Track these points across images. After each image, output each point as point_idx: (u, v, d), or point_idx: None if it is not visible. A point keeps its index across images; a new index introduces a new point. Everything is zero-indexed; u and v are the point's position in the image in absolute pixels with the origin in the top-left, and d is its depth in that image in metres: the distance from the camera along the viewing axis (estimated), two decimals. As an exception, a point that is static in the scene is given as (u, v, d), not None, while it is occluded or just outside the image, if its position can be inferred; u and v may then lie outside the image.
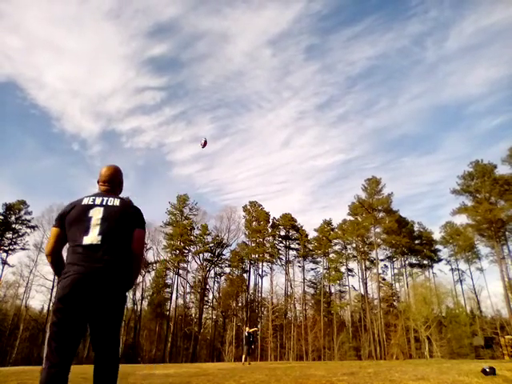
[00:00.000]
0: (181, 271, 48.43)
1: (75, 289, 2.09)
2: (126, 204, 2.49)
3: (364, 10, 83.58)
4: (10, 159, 69.66)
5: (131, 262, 2.35)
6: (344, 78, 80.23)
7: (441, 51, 73.73)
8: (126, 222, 2.36)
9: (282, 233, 53.31)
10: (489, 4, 71.44)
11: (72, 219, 2.34)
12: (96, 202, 2.41)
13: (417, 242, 49.69)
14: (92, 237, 2.24)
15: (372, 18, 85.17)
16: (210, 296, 50.84)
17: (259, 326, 47.22)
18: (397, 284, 51.32)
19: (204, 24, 76.90)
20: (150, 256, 48.61)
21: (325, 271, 52.33)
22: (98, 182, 2.67)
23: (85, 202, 2.43)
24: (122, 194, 2.80)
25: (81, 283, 2.10)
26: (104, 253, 2.21)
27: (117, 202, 2.45)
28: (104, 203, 2.41)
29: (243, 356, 15.31)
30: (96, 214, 2.33)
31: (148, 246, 48.06)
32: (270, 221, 52.35)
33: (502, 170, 42.28)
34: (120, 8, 73.81)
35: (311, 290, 53.49)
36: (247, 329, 16.33)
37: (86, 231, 2.26)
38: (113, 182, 2.65)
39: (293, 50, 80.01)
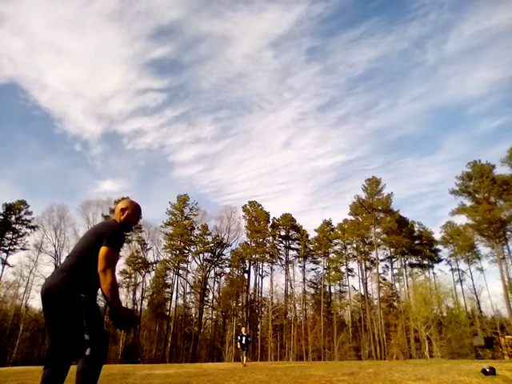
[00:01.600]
0: (181, 271, 48.46)
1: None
2: (100, 224, 2.76)
3: (365, 13, 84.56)
4: (12, 160, 70.20)
5: (87, 272, 2.49)
6: (345, 79, 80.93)
7: (441, 53, 74.55)
8: (90, 239, 2.55)
9: (283, 233, 53.35)
10: (488, 7, 72.42)
11: None
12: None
13: (417, 242, 49.70)
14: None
15: (373, 21, 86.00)
16: (210, 296, 50.88)
17: (259, 327, 47.28)
18: (397, 284, 51.41)
19: (206, 26, 77.59)
20: (150, 256, 48.67)
21: (325, 271, 52.35)
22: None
23: None
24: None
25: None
26: (60, 267, 2.53)
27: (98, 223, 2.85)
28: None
29: (243, 358, 15.05)
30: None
31: (148, 246, 48.14)
32: (270, 221, 52.41)
33: (502, 171, 42.43)
34: (122, 10, 74.32)
35: (311, 290, 53.58)
36: (243, 330, 15.91)
37: None
38: (114, 212, 2.87)
39: (294, 52, 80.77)
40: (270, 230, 52.08)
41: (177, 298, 48.55)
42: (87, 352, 2.30)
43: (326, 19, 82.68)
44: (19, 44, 68.45)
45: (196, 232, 49.73)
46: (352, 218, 50.52)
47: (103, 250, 2.41)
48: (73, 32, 74.40)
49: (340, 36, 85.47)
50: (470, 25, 73.03)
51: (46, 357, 2.39)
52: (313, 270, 53.59)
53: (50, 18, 70.46)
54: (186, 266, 49.09)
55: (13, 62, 71.14)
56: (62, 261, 2.56)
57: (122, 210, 2.78)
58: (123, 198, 3.11)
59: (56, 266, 42.14)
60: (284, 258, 52.32)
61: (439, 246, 50.71)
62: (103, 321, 2.55)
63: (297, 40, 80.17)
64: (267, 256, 50.33)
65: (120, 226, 2.63)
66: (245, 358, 14.81)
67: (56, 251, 42.69)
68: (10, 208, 43.30)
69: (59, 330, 2.40)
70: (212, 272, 50.66)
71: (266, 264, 51.45)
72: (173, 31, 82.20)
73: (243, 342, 15.10)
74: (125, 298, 44.92)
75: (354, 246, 50.66)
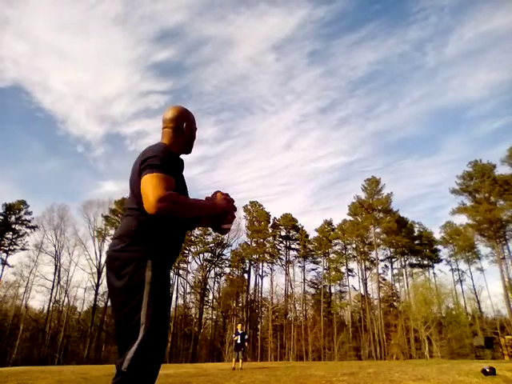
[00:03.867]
0: (181, 271, 48.44)
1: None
2: (141, 153, 1.84)
3: (366, 17, 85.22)
4: (14, 161, 70.69)
5: (154, 226, 1.72)
6: (346, 82, 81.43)
7: (441, 56, 75.18)
8: (136, 179, 1.75)
9: (283, 233, 53.39)
10: (488, 10, 72.95)
11: None
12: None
13: (417, 242, 49.69)
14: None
15: (374, 25, 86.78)
16: (210, 296, 50.89)
17: (259, 327, 47.29)
18: (397, 284, 51.41)
19: (209, 30, 78.08)
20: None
21: (325, 271, 52.38)
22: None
23: None
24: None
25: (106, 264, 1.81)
26: (120, 228, 1.81)
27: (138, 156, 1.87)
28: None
29: (234, 360, 13.02)
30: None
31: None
32: (271, 221, 52.47)
33: (502, 171, 42.45)
34: (126, 14, 74.68)
35: (311, 290, 53.59)
36: (239, 327, 13.87)
37: None
38: (174, 121, 1.99)
39: (296, 55, 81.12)
40: (270, 230, 52.12)
41: (177, 298, 48.59)
42: (124, 364, 1.52)
43: (328, 23, 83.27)
44: (23, 47, 69.09)
45: (196, 232, 49.75)
46: (351, 218, 50.60)
47: (143, 179, 1.64)
48: (77, 35, 75.10)
49: (342, 39, 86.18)
50: (469, 28, 73.83)
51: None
52: (313, 270, 53.68)
53: (54, 21, 71.09)
54: (186, 266, 49.15)
55: (17, 64, 71.94)
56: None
57: (185, 121, 2.01)
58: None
59: (56, 266, 42.20)
60: (284, 258, 52.38)
61: (439, 246, 50.76)
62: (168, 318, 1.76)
63: (299, 43, 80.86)
64: (267, 256, 50.34)
65: (168, 146, 1.88)
66: (240, 360, 12.67)
67: (56, 251, 42.72)
68: (9, 208, 43.31)
69: (116, 317, 1.69)
70: (212, 272, 50.74)
71: (266, 264, 51.51)
72: (176, 34, 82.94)
73: (238, 341, 12.97)
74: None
75: (354, 246, 50.68)
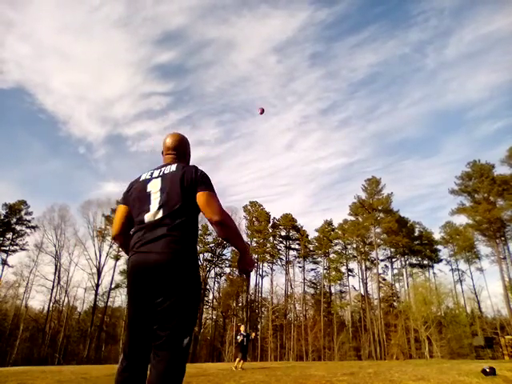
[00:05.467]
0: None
1: (138, 273, 1.88)
2: (184, 167, 2.11)
3: (367, 19, 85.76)
4: (17, 162, 71.09)
5: (195, 235, 2.03)
6: (347, 84, 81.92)
7: (441, 58, 75.60)
8: (185, 188, 1.99)
9: (283, 233, 53.41)
10: (487, 14, 73.40)
11: (132, 198, 2.12)
12: (154, 175, 2.13)
13: (417, 242, 49.70)
14: (152, 212, 1.98)
15: (375, 27, 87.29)
16: (210, 296, 50.92)
17: (259, 327, 47.28)
18: (397, 284, 51.40)
19: (211, 32, 78.46)
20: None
21: (325, 271, 52.40)
22: (162, 154, 2.35)
23: (143, 177, 2.17)
24: None
25: (142, 265, 1.86)
26: (163, 229, 1.91)
27: (173, 168, 2.11)
28: (161, 174, 2.11)
29: (237, 359, 12.49)
30: (154, 187, 2.06)
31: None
32: (271, 221, 52.48)
33: (502, 171, 42.47)
34: (129, 16, 74.98)
35: (311, 290, 53.58)
36: (242, 328, 13.69)
37: (147, 208, 2.01)
38: (177, 150, 2.29)
39: (298, 57, 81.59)
40: (270, 230, 52.15)
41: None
42: (166, 363, 1.74)
43: (329, 25, 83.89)
44: (26, 49, 69.54)
45: (196, 232, 49.78)
46: (352, 218, 50.63)
47: (205, 194, 1.96)
48: (79, 37, 75.66)
49: (343, 41, 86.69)
50: (469, 30, 74.27)
51: (125, 358, 1.88)
52: (313, 270, 53.68)
53: (57, 24, 71.67)
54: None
55: (20, 66, 72.48)
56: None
57: (186, 149, 2.35)
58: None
59: (56, 266, 42.10)
60: (284, 258, 52.40)
61: (439, 246, 50.77)
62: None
63: (300, 45, 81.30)
64: (267, 256, 50.36)
65: None
66: (241, 361, 12.26)
67: (56, 251, 42.72)
68: (10, 208, 43.32)
69: (152, 325, 1.83)
70: (212, 272, 50.77)
71: (266, 264, 51.52)
72: (178, 37, 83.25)
73: (245, 343, 12.80)
74: (125, 298, 44.97)
75: (354, 246, 50.70)
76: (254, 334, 13.37)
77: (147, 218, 1.98)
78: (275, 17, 78.98)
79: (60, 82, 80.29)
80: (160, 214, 1.96)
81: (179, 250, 1.87)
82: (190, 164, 2.32)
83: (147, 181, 2.12)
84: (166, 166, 2.17)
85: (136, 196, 2.10)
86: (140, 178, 2.19)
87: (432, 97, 78.85)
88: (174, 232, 1.90)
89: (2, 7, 59.91)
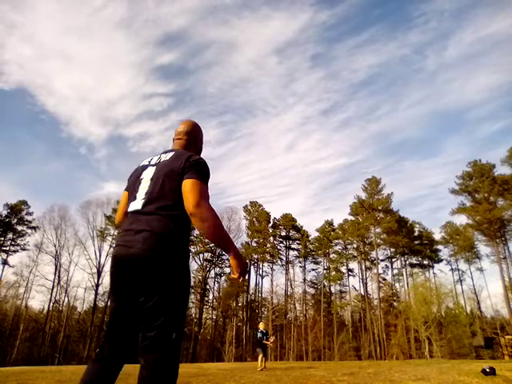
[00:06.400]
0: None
1: (117, 267, 1.79)
2: (179, 154, 1.97)
3: (368, 21, 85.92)
4: (18, 162, 71.52)
5: (184, 228, 1.85)
6: (348, 84, 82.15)
7: (441, 59, 75.83)
8: (172, 177, 1.86)
9: (283, 233, 53.43)
10: (487, 16, 73.78)
11: (129, 185, 2.06)
12: (151, 162, 2.03)
13: (417, 242, 49.72)
14: (137, 202, 1.89)
15: (375, 29, 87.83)
16: (210, 296, 50.94)
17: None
18: (397, 284, 51.42)
19: (212, 33, 78.71)
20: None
21: (325, 271, 52.40)
22: (173, 140, 2.26)
23: (143, 162, 2.10)
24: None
25: (122, 259, 1.76)
26: (146, 219, 1.80)
27: (169, 155, 1.98)
28: (158, 161, 2.00)
29: (260, 359, 11.94)
30: (147, 175, 1.96)
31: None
32: (271, 221, 52.50)
33: (502, 171, 42.56)
34: (131, 18, 75.15)
35: (311, 290, 53.63)
36: (262, 326, 13.07)
37: (134, 196, 1.93)
38: (189, 134, 2.19)
39: (298, 58, 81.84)
40: (270, 230, 52.16)
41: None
42: (155, 366, 1.67)
43: (330, 26, 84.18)
44: (28, 51, 69.80)
45: (196, 232, 49.78)
46: (352, 218, 50.63)
47: (189, 182, 1.80)
48: (81, 39, 75.92)
49: (343, 43, 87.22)
50: (469, 32, 74.60)
51: (101, 346, 1.83)
52: (313, 270, 53.73)
53: (59, 26, 71.78)
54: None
55: (22, 68, 72.83)
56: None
57: (198, 136, 2.24)
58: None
59: (56, 266, 42.11)
60: (284, 258, 52.43)
61: (439, 246, 50.80)
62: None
63: (301, 46, 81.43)
64: (268, 256, 50.38)
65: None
66: (264, 359, 11.94)
67: (56, 251, 42.72)
68: (11, 208, 43.35)
69: (136, 317, 1.76)
70: (212, 272, 50.79)
71: (266, 264, 51.56)
72: (180, 38, 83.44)
73: (263, 341, 12.44)
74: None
75: (355, 246, 50.70)
76: (273, 339, 12.46)
77: (131, 207, 1.90)
78: (276, 18, 79.19)
79: (62, 83, 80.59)
80: (143, 205, 1.85)
81: (163, 243, 1.73)
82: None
83: (144, 167, 2.04)
84: (166, 152, 2.07)
85: (131, 184, 2.04)
86: (141, 162, 2.14)
87: (432, 98, 79.12)
88: (155, 225, 1.76)
89: (3, 9, 60.19)
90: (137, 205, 1.88)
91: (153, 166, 2.00)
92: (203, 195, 1.79)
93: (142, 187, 1.93)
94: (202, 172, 1.88)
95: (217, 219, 1.79)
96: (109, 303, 1.86)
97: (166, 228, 1.77)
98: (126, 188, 2.11)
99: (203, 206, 1.75)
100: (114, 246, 1.88)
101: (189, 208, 1.74)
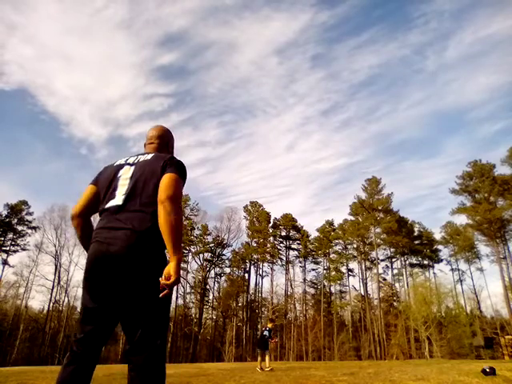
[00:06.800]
0: (181, 271, 48.46)
1: (96, 264, 1.74)
2: (161, 155, 2.01)
3: (368, 22, 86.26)
4: (19, 162, 71.74)
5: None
6: (348, 85, 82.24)
7: (441, 60, 75.95)
8: (155, 175, 1.87)
9: (283, 233, 53.43)
10: (487, 16, 74.03)
11: (102, 182, 2.02)
12: (128, 161, 2.03)
13: (417, 242, 49.72)
14: (117, 199, 1.87)
15: (375, 29, 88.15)
16: (210, 296, 50.93)
17: (258, 327, 47.20)
18: (397, 284, 51.41)
19: (213, 34, 78.98)
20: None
21: (325, 271, 52.39)
22: (145, 146, 2.26)
23: (118, 162, 2.08)
24: None
25: (101, 256, 1.73)
26: (127, 216, 1.79)
27: (149, 156, 2.01)
28: (136, 161, 2.01)
29: (268, 359, 11.64)
30: (125, 174, 1.96)
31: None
32: (271, 221, 52.51)
33: (502, 171, 42.59)
34: (131, 19, 75.32)
35: (311, 290, 53.65)
36: (270, 325, 12.48)
37: (113, 193, 1.91)
38: (160, 139, 2.21)
39: (299, 59, 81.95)
40: (270, 230, 52.16)
41: (177, 298, 48.57)
42: (148, 359, 1.64)
43: (331, 27, 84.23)
44: (29, 51, 70.10)
45: (196, 232, 49.83)
46: (352, 218, 50.62)
47: (170, 175, 1.82)
48: (82, 39, 76.22)
49: (344, 43, 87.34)
50: (469, 33, 74.77)
51: (74, 350, 1.77)
52: (313, 270, 53.74)
53: (60, 26, 72.04)
54: (185, 266, 49.13)
55: (22, 68, 73.30)
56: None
57: (169, 141, 2.27)
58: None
59: (56, 266, 42.14)
60: (284, 258, 52.43)
61: (439, 246, 50.79)
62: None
63: (301, 47, 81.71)
64: (268, 256, 50.38)
65: None
66: (267, 360, 11.44)
67: (56, 251, 42.74)
68: (11, 208, 43.34)
69: (111, 317, 1.74)
70: (212, 272, 50.79)
71: (266, 264, 51.57)
72: (180, 38, 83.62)
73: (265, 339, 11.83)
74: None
75: (355, 246, 50.70)
76: (276, 340, 11.78)
77: (110, 204, 1.88)
78: (277, 19, 79.25)
79: (62, 84, 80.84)
80: (123, 202, 1.83)
81: (144, 240, 1.72)
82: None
83: (120, 166, 2.02)
84: (143, 154, 2.08)
85: (106, 180, 2.00)
86: (115, 162, 2.10)
87: (432, 98, 79.24)
88: (136, 223, 1.76)
89: (5, 10, 60.35)
90: (117, 201, 1.86)
91: (130, 165, 2.00)
92: (179, 191, 1.82)
93: (121, 185, 1.92)
94: (182, 171, 1.92)
95: (182, 218, 1.80)
96: (81, 302, 1.82)
97: (147, 225, 1.77)
98: (93, 182, 2.09)
99: (176, 200, 1.76)
100: (92, 242, 1.83)
101: (161, 197, 1.74)
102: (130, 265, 1.68)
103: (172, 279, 1.65)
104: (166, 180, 1.80)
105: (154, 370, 1.64)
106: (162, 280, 1.65)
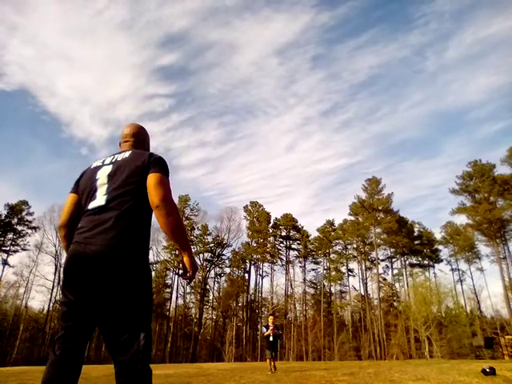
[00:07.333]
0: (181, 271, 48.50)
1: (74, 265, 1.72)
2: (140, 152, 2.00)
3: (368, 22, 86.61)
4: (19, 163, 71.81)
5: (146, 225, 1.86)
6: (348, 85, 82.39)
7: (441, 60, 76.08)
8: (137, 172, 1.86)
9: (283, 233, 53.44)
10: (487, 17, 74.29)
11: (82, 186, 2.00)
12: (105, 162, 2.01)
13: (417, 242, 49.71)
14: (97, 200, 1.85)
15: (376, 30, 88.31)
16: (210, 296, 50.92)
17: (258, 327, 47.22)
18: (397, 284, 51.41)
19: (213, 35, 79.22)
20: (150, 256, 48.63)
21: (325, 271, 52.40)
22: (120, 145, 2.24)
23: (94, 164, 2.05)
24: None
25: (80, 256, 1.70)
26: (108, 215, 1.77)
27: (127, 154, 1.99)
28: (113, 160, 1.98)
29: (268, 360, 10.33)
30: (103, 173, 1.93)
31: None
32: (271, 221, 52.52)
33: (502, 171, 42.63)
34: (132, 19, 75.52)
35: (311, 290, 53.62)
36: (271, 319, 10.86)
37: (93, 195, 1.89)
38: (136, 137, 2.20)
39: (299, 60, 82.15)
40: (270, 230, 52.16)
41: (177, 298, 48.62)
42: (133, 360, 1.63)
43: (331, 28, 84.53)
44: (30, 52, 70.41)
45: (196, 232, 49.82)
46: (352, 218, 50.63)
47: (156, 176, 1.81)
48: (83, 40, 76.39)
49: (344, 44, 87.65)
50: (469, 33, 74.98)
51: (55, 350, 1.73)
52: (313, 270, 53.73)
53: (61, 27, 72.29)
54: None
55: (23, 69, 73.19)
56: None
57: (145, 138, 2.27)
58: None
59: (56, 266, 42.14)
60: (284, 258, 52.43)
61: (439, 246, 50.79)
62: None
63: (302, 48, 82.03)
64: (268, 256, 50.38)
65: None
66: (268, 361, 10.26)
67: (56, 251, 42.72)
68: (11, 209, 43.34)
69: (107, 321, 1.70)
70: (212, 272, 50.80)
71: (266, 264, 51.57)
72: (181, 39, 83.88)
73: (271, 338, 10.35)
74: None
75: (355, 246, 50.70)
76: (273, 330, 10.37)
77: (91, 206, 1.86)
78: (277, 20, 79.40)
79: (63, 85, 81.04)
80: (104, 202, 1.81)
81: (121, 240, 1.70)
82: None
83: (98, 168, 2.00)
84: (120, 153, 2.06)
85: (84, 184, 1.99)
86: (91, 165, 2.08)
87: (432, 99, 79.36)
88: (118, 221, 1.74)
89: (6, 11, 60.47)
90: (99, 202, 1.84)
91: (108, 164, 1.97)
92: (169, 190, 1.83)
93: (101, 184, 1.90)
94: (165, 168, 1.92)
95: (179, 215, 1.81)
96: (60, 303, 1.82)
97: (128, 224, 1.76)
98: (73, 190, 2.08)
99: (170, 200, 1.77)
100: (72, 243, 1.82)
101: (154, 201, 1.75)
102: (110, 263, 1.66)
103: (191, 272, 1.81)
104: (153, 182, 1.80)
105: (141, 370, 1.62)
106: (184, 276, 1.83)
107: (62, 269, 1.83)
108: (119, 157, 1.99)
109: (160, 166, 1.89)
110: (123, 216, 1.77)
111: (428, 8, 75.24)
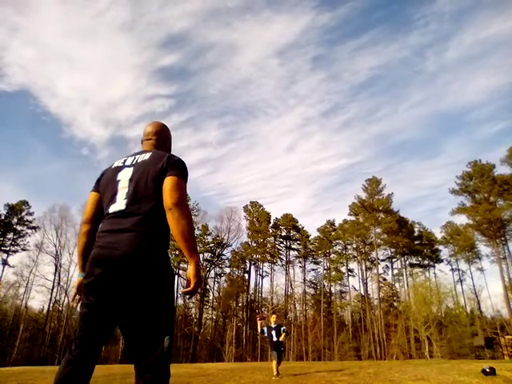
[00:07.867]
0: (181, 271, 48.47)
1: (98, 267, 1.73)
2: (158, 155, 1.97)
3: (369, 23, 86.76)
4: (20, 163, 71.82)
5: (167, 229, 1.83)
6: (348, 86, 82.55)
7: (441, 61, 76.24)
8: (155, 176, 1.85)
9: (283, 233, 53.45)
10: (487, 18, 74.25)
11: (103, 186, 2.01)
12: (126, 163, 2.00)
13: (417, 242, 49.72)
14: (118, 204, 1.86)
15: (376, 31, 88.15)
16: (210, 296, 50.91)
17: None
18: (397, 284, 51.41)
19: (214, 36, 79.47)
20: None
21: (325, 271, 52.41)
22: (142, 142, 2.24)
23: (115, 164, 2.05)
24: None
25: (105, 259, 1.71)
26: (130, 220, 1.78)
27: (147, 156, 1.98)
28: (134, 162, 1.98)
29: (274, 364, 8.67)
30: (124, 176, 1.93)
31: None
32: (271, 221, 52.52)
33: (502, 171, 42.67)
34: (134, 21, 75.65)
35: (311, 291, 53.62)
36: (274, 318, 9.45)
37: (114, 197, 1.89)
38: (158, 135, 2.20)
39: (300, 60, 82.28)
40: (270, 230, 52.16)
41: (177, 298, 48.52)
42: (156, 363, 1.65)
43: (331, 29, 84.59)
44: (31, 53, 70.42)
45: (196, 232, 49.78)
46: (352, 218, 50.64)
47: (173, 179, 1.81)
48: (84, 41, 76.48)
49: (344, 45, 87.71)
50: (469, 34, 75.12)
51: (73, 349, 1.72)
52: (313, 270, 53.74)
53: (62, 28, 72.53)
54: (185, 266, 49.15)
55: (24, 70, 73.53)
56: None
57: (167, 136, 2.27)
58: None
59: (56, 266, 42.13)
60: (284, 258, 52.44)
61: (439, 246, 50.79)
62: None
63: (302, 48, 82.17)
64: (268, 256, 50.38)
65: None
66: (274, 365, 8.66)
67: (57, 251, 42.76)
68: (11, 209, 43.34)
69: (129, 326, 1.73)
70: (212, 272, 50.78)
71: (266, 264, 51.56)
72: (182, 40, 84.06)
73: (274, 338, 8.89)
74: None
75: (355, 246, 50.71)
76: (284, 335, 9.02)
77: (112, 209, 1.86)
78: (278, 21, 79.49)
79: (64, 85, 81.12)
80: (125, 206, 1.82)
81: (145, 244, 1.72)
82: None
83: (119, 169, 2.00)
84: (141, 153, 2.05)
85: (105, 185, 1.99)
86: (113, 165, 2.07)
87: (432, 99, 79.43)
88: (140, 226, 1.76)
89: (7, 12, 60.57)
90: (119, 206, 1.85)
91: (129, 166, 1.98)
92: (184, 194, 1.83)
93: (122, 188, 1.90)
94: (184, 171, 1.91)
95: (191, 221, 1.82)
96: (80, 305, 1.81)
97: (150, 228, 1.77)
98: (94, 189, 2.08)
99: (184, 204, 1.77)
100: (95, 247, 1.82)
101: (168, 204, 1.75)
102: (135, 267, 1.68)
103: (192, 284, 1.73)
104: (169, 185, 1.80)
105: (162, 373, 1.66)
106: (184, 289, 1.74)
107: (85, 271, 1.81)
108: (139, 158, 1.99)
109: (178, 168, 1.88)
110: (144, 221, 1.78)
111: (428, 9, 75.44)
